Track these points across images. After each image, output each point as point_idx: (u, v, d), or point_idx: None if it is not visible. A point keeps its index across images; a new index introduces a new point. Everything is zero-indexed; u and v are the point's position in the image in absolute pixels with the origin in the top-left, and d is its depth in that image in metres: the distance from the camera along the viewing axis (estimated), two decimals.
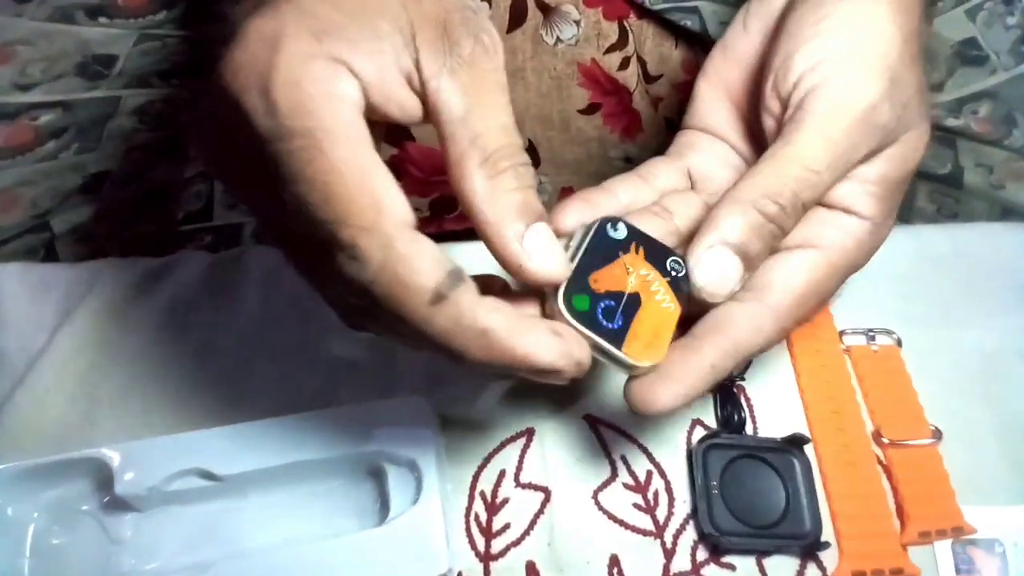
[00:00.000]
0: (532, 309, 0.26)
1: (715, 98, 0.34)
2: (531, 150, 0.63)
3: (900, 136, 0.28)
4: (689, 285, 0.28)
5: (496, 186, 0.23)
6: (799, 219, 0.27)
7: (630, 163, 0.63)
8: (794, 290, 0.28)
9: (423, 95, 0.23)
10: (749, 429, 0.38)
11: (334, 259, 0.22)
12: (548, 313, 0.26)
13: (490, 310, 0.22)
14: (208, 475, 0.33)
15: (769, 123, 0.30)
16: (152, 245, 0.56)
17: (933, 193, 0.51)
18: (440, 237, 0.56)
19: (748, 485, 0.36)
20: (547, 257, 0.24)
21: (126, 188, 0.52)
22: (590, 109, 0.60)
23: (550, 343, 0.23)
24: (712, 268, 0.27)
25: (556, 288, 0.25)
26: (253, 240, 0.60)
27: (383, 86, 0.22)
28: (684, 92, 0.58)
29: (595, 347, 0.26)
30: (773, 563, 0.35)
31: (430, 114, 0.24)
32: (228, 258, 0.43)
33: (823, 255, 0.29)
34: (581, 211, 0.29)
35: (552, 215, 0.29)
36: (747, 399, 0.39)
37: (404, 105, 0.23)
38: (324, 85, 0.21)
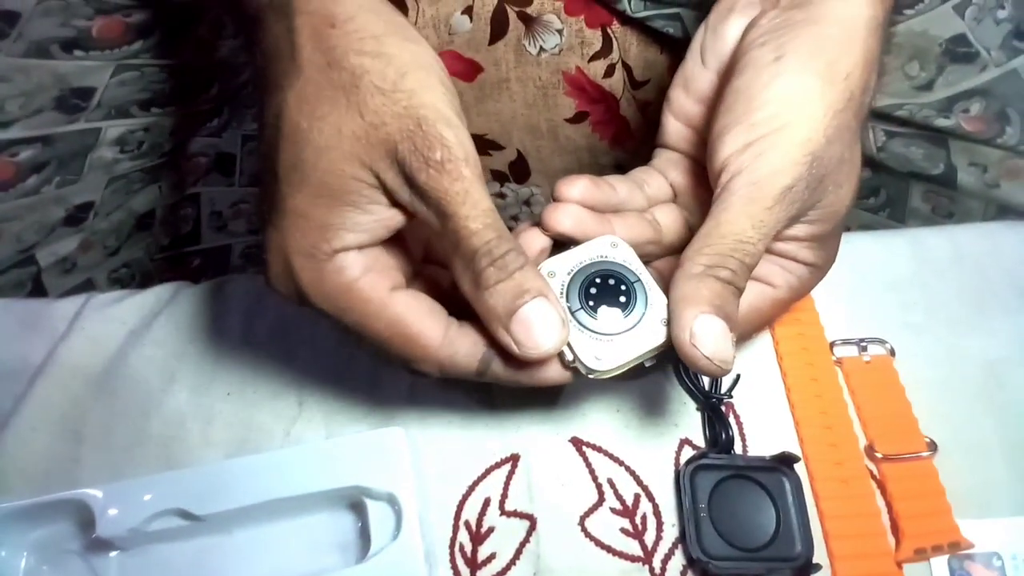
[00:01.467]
0: None
1: (681, 129, 0.36)
2: (521, 160, 0.63)
3: (817, 202, 0.30)
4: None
5: (480, 284, 0.27)
6: (747, 278, 0.29)
7: (621, 171, 0.62)
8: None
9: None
10: (738, 448, 0.38)
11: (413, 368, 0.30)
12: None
13: (516, 369, 0.29)
14: (187, 515, 0.33)
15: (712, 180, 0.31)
16: (140, 272, 0.57)
17: (927, 193, 0.50)
18: None
19: (737, 507, 0.35)
20: (534, 343, 0.27)
21: (110, 217, 0.52)
22: (577, 118, 0.59)
23: (558, 373, 0.30)
24: (706, 333, 0.27)
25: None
26: (242, 261, 0.60)
27: (375, 234, 0.28)
28: None
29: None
30: None
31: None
32: (211, 289, 0.43)
33: (770, 290, 0.32)
34: (587, 189, 0.32)
35: (560, 185, 0.32)
36: (736, 416, 0.39)
37: (397, 225, 0.29)
38: (341, 283, 0.28)
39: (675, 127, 0.36)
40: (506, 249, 0.27)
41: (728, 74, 0.31)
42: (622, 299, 0.30)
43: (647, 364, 0.30)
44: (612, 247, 0.31)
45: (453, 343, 0.29)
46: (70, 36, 0.44)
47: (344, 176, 0.27)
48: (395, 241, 0.31)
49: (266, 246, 0.29)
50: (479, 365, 0.29)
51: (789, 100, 0.29)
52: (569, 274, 0.30)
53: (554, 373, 0.29)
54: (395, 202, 0.28)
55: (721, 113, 0.30)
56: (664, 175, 0.36)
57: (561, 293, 0.30)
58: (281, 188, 0.28)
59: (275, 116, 0.28)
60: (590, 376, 0.29)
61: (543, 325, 0.27)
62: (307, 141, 0.27)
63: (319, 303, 0.28)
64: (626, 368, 0.29)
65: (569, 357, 0.29)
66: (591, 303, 0.30)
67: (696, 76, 0.34)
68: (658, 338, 0.29)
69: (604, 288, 0.30)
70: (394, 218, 0.28)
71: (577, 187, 0.32)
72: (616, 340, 0.29)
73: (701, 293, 0.28)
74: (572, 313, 0.29)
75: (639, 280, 0.30)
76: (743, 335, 0.31)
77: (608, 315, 0.29)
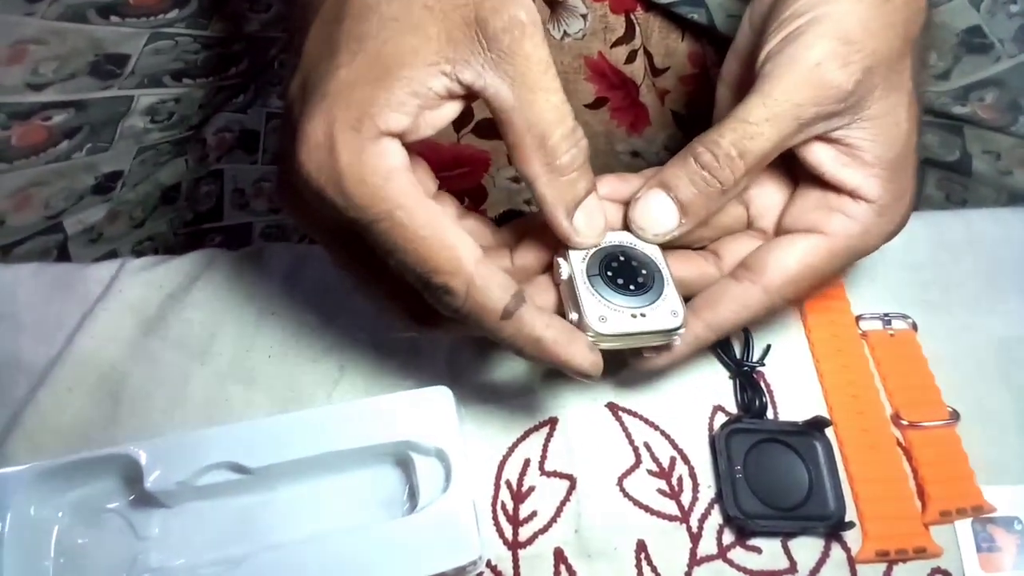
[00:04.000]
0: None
1: (734, 101, 0.35)
2: None
3: (868, 103, 0.29)
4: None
5: (555, 168, 0.27)
6: (739, 173, 0.29)
7: (637, 157, 0.63)
8: (786, 272, 0.31)
9: (472, 95, 0.27)
10: (770, 414, 0.39)
11: (430, 293, 0.27)
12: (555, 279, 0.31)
13: (544, 326, 0.28)
14: (238, 468, 0.33)
15: None
16: (164, 246, 0.57)
17: (942, 180, 0.52)
18: None
19: (771, 468, 0.36)
20: (590, 234, 0.29)
21: (137, 188, 0.52)
22: (597, 103, 0.60)
23: (585, 355, 0.28)
24: (645, 206, 0.30)
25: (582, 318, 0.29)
26: (262, 239, 0.60)
27: (418, 126, 0.27)
28: (691, 85, 0.58)
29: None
30: (798, 544, 0.36)
31: (486, 104, 0.27)
32: (249, 255, 0.43)
33: (824, 241, 0.31)
34: (612, 186, 0.33)
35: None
36: (767, 385, 0.40)
37: (438, 122, 0.27)
38: (381, 168, 0.26)
39: (726, 100, 0.36)
40: (581, 136, 0.27)
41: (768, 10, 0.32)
42: (640, 280, 0.30)
43: (645, 354, 0.31)
44: (642, 240, 0.32)
45: (490, 267, 0.27)
46: (107, 1, 0.44)
47: (402, 46, 0.26)
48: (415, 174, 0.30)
49: (306, 115, 0.26)
50: (511, 301, 0.27)
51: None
52: (596, 246, 0.31)
53: (578, 351, 0.28)
54: (450, 92, 0.27)
55: (763, 32, 0.31)
56: None
57: (583, 259, 0.30)
58: (338, 58, 0.26)
59: None
60: (588, 338, 0.29)
61: (601, 217, 0.29)
62: (374, 13, 0.26)
63: (352, 187, 0.26)
64: (625, 342, 0.29)
65: (574, 317, 0.29)
66: (609, 274, 0.30)
67: (745, 44, 0.34)
68: (664, 323, 0.29)
69: (625, 266, 0.30)
70: (441, 110, 0.27)
71: (602, 185, 0.32)
72: (624, 311, 0.29)
73: (666, 172, 0.30)
74: (589, 277, 0.30)
75: (659, 271, 0.31)
76: (800, 292, 0.31)
77: (623, 289, 0.30)
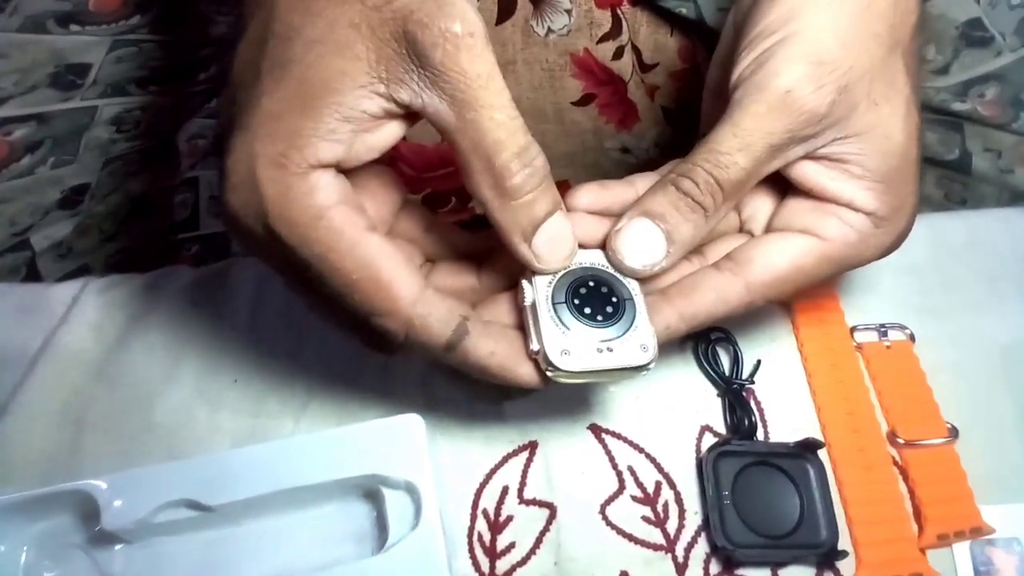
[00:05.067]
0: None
1: (719, 110, 0.34)
2: None
3: (851, 119, 0.28)
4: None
5: (504, 193, 0.25)
6: (720, 200, 0.28)
7: (627, 154, 0.61)
8: (773, 270, 0.29)
9: (414, 114, 0.25)
10: (760, 434, 0.37)
11: (373, 328, 0.27)
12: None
13: (489, 354, 0.27)
14: (197, 505, 0.32)
15: None
16: (137, 257, 0.55)
17: (941, 179, 0.50)
18: None
19: (761, 493, 0.35)
20: (552, 259, 0.27)
21: (107, 200, 0.51)
22: (584, 100, 0.58)
23: (532, 375, 0.28)
24: (630, 236, 0.28)
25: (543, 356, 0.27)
26: (241, 249, 0.58)
27: (353, 150, 0.25)
28: (680, 80, 0.56)
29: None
30: (789, 574, 0.34)
31: (430, 124, 0.25)
32: (214, 272, 0.42)
33: (819, 244, 0.30)
34: (593, 196, 0.30)
35: (568, 196, 0.30)
36: (757, 403, 0.38)
37: (379, 144, 0.26)
38: (311, 208, 0.24)
39: (714, 107, 0.34)
40: (536, 153, 0.25)
41: (743, 18, 0.30)
42: (609, 309, 0.28)
43: (611, 387, 0.30)
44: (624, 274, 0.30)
45: (428, 303, 0.26)
46: (66, 10, 0.43)
47: (329, 70, 0.24)
48: (374, 189, 0.29)
49: (228, 150, 0.24)
50: (452, 335, 0.26)
51: (792, 11, 0.27)
52: (564, 269, 0.29)
53: (525, 372, 0.27)
54: (388, 112, 0.25)
55: (736, 48, 0.29)
56: None
57: (550, 284, 0.28)
58: (261, 86, 0.24)
59: (266, 17, 0.25)
60: (549, 374, 0.27)
61: (567, 239, 0.27)
62: (298, 35, 0.24)
63: (280, 227, 0.24)
64: (588, 378, 0.28)
65: (535, 347, 0.27)
66: (576, 301, 0.28)
67: (726, 51, 0.33)
68: (632, 359, 0.27)
69: (595, 294, 0.29)
70: (380, 131, 0.25)
71: (582, 196, 0.30)
72: (589, 345, 0.27)
73: (648, 201, 0.28)
74: (554, 305, 0.28)
75: (631, 299, 0.29)
76: (782, 293, 0.30)
77: (590, 319, 0.28)
